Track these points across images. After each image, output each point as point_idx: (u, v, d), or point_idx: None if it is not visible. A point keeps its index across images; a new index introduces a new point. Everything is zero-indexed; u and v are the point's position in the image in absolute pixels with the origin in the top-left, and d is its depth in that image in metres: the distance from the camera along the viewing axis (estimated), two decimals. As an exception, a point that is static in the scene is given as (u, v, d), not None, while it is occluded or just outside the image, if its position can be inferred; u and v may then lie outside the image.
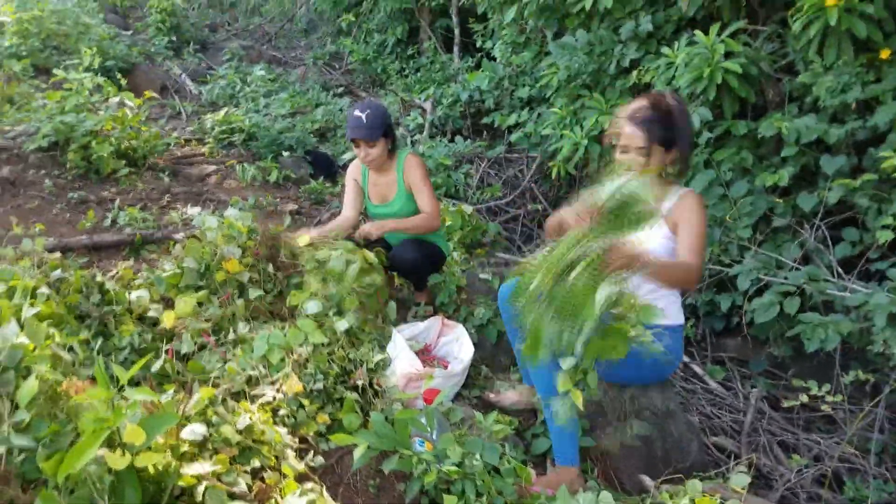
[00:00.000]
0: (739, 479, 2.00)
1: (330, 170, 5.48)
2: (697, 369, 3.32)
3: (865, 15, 2.79)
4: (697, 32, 3.33)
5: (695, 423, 2.66)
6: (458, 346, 2.85)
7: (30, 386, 1.58)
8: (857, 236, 3.07)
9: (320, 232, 3.07)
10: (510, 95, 5.64)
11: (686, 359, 3.39)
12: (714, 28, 3.30)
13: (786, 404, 2.41)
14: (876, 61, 2.96)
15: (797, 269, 3.02)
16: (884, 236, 2.70)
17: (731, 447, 2.68)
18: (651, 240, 2.30)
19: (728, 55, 3.27)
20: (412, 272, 3.29)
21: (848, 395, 2.91)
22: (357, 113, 3.04)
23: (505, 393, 2.75)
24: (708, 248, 2.35)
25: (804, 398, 2.34)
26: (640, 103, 2.30)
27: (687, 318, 3.66)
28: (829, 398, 2.28)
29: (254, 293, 2.72)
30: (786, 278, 2.98)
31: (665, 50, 3.56)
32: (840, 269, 3.01)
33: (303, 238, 2.92)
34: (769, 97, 3.55)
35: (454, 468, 1.98)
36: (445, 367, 2.73)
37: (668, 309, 2.35)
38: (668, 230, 2.30)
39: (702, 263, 2.27)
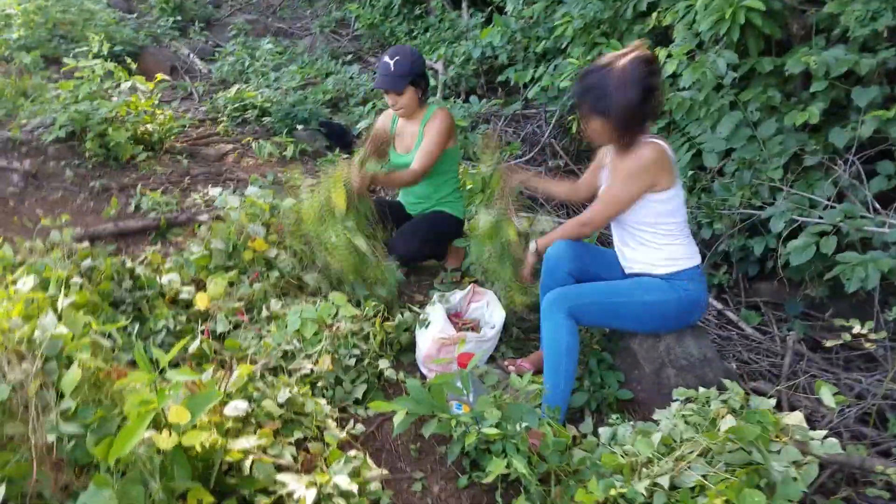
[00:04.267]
0: (793, 417, 2.00)
1: (345, 140, 5.43)
2: (732, 316, 3.28)
3: (895, -66, 2.66)
4: (715, -31, 3.19)
5: (732, 369, 2.64)
6: (489, 311, 2.84)
7: (73, 374, 1.61)
8: (892, 169, 2.98)
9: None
10: (524, 50, 5.50)
11: (719, 305, 3.35)
12: (733, -37, 3.16)
13: (828, 344, 2.36)
14: (907, -16, 2.82)
15: (832, 207, 2.94)
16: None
17: (770, 391, 2.65)
18: None
19: (750, -9, 3.15)
20: (412, 261, 3.20)
21: (888, 331, 2.85)
22: (386, 59, 2.95)
23: (520, 362, 2.69)
24: (677, 196, 2.34)
25: (847, 337, 2.30)
26: (591, 66, 2.28)
27: (718, 265, 3.61)
28: (873, 336, 2.23)
29: (282, 269, 2.73)
30: (820, 217, 2.90)
31: (683, -8, 3.43)
32: (877, 205, 2.93)
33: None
34: (794, 31, 3.41)
35: (493, 430, 1.99)
36: (476, 332, 2.72)
37: (672, 254, 2.36)
38: None
39: (604, 210, 2.35)
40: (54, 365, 1.66)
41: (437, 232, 3.20)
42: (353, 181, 2.69)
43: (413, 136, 3.15)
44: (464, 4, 7.03)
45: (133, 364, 1.87)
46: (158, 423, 1.56)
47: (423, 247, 3.13)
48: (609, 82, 2.17)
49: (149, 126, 4.59)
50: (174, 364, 2.16)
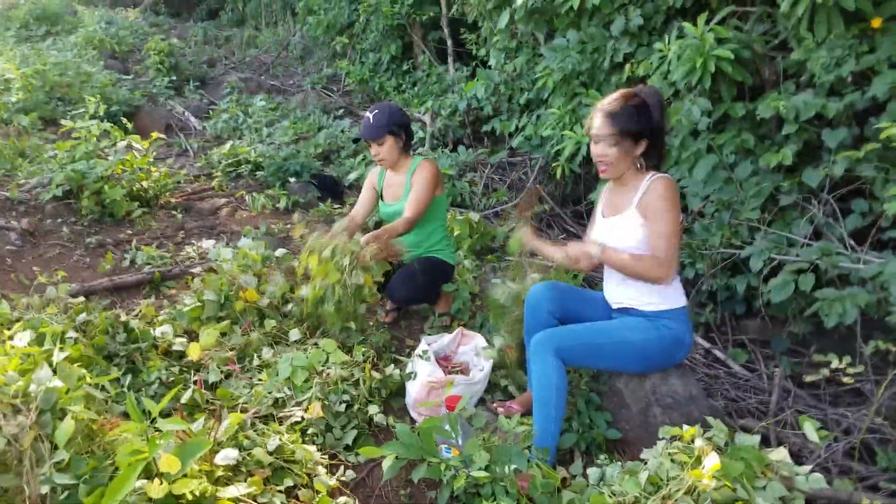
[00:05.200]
0: (778, 452, 2.03)
1: (336, 191, 5.55)
2: (719, 354, 3.31)
3: (852, -13, 2.80)
4: (686, 24, 3.35)
5: (719, 407, 2.66)
6: (478, 353, 2.88)
7: (66, 426, 1.64)
8: (866, 207, 3.06)
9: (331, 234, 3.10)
10: (508, 101, 5.69)
11: (707, 344, 3.39)
12: (702, 17, 3.32)
13: (807, 380, 2.40)
14: (868, 31, 2.95)
15: (809, 245, 3.01)
16: (893, 208, 2.68)
17: (758, 428, 2.67)
18: (627, 230, 2.39)
19: (720, 41, 3.29)
20: (410, 304, 3.39)
21: (872, 365, 2.89)
22: (367, 114, 3.16)
23: (509, 404, 2.71)
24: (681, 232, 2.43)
25: (825, 372, 2.34)
26: (613, 95, 2.39)
27: (705, 304, 3.67)
28: (851, 370, 2.27)
29: (273, 319, 2.77)
30: (798, 255, 2.97)
31: (657, 45, 3.58)
32: (852, 242, 3.00)
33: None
34: (765, 76, 3.55)
35: (483, 473, 2.01)
36: (465, 374, 2.76)
37: (662, 293, 2.41)
38: (641, 219, 2.36)
39: (673, 253, 2.30)
40: (48, 417, 1.69)
41: (431, 277, 3.28)
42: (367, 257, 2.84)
43: (401, 185, 3.26)
44: (449, 59, 7.27)
45: (126, 415, 1.90)
46: (150, 473, 1.59)
47: (420, 291, 3.23)
48: (638, 108, 2.33)
49: (144, 183, 4.70)
50: (166, 414, 2.19)
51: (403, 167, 3.25)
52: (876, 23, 2.88)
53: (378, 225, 4.59)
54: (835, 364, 2.33)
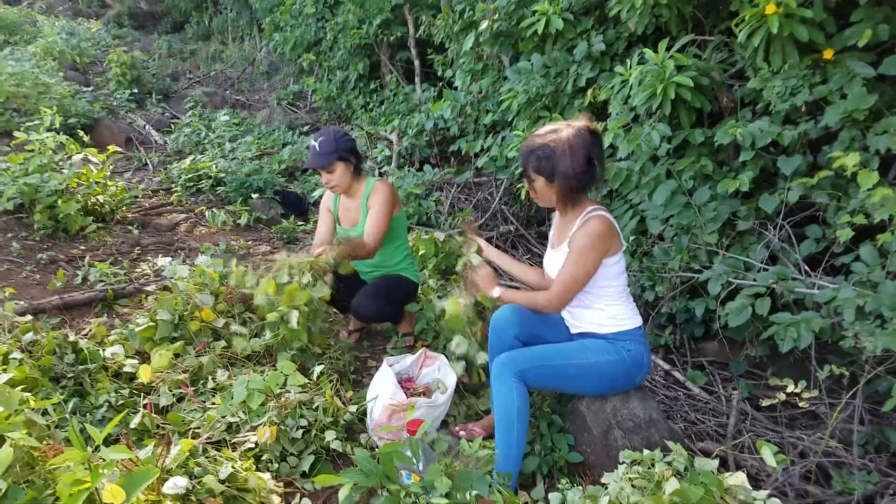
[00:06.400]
0: (736, 477, 2.03)
1: (300, 208, 5.49)
2: (679, 376, 3.34)
3: (806, 19, 2.90)
4: (646, 50, 3.41)
5: (678, 430, 2.68)
6: (441, 375, 2.85)
7: (4, 454, 1.55)
8: (819, 233, 3.14)
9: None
10: (474, 122, 5.72)
11: (667, 366, 3.42)
12: (663, 44, 3.39)
13: (764, 403, 2.44)
14: (821, 62, 3.05)
15: (765, 269, 3.07)
16: (844, 235, 2.76)
17: (717, 451, 2.69)
18: (558, 261, 2.43)
19: (679, 68, 3.36)
20: (375, 321, 3.33)
21: (827, 388, 2.95)
22: (312, 142, 3.06)
23: (471, 426, 2.69)
24: (621, 261, 2.42)
25: (781, 396, 2.37)
26: (542, 129, 2.38)
27: (664, 326, 3.71)
28: (806, 394, 2.31)
29: (229, 339, 2.70)
30: (755, 280, 3.03)
31: (618, 69, 3.64)
32: (807, 267, 3.07)
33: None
34: (723, 104, 3.64)
35: (444, 500, 1.97)
36: (428, 397, 2.72)
37: (615, 315, 2.43)
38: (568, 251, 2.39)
39: (567, 294, 2.36)
40: (-15, 445, 1.61)
41: (397, 295, 3.23)
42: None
43: (357, 209, 3.21)
44: (417, 79, 7.29)
45: (70, 441, 1.81)
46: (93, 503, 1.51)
47: (385, 308, 3.17)
48: (556, 147, 2.28)
49: (100, 197, 4.58)
50: (113, 440, 2.10)
51: (358, 191, 3.20)
52: (828, 54, 2.97)
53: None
54: (791, 388, 2.36)
